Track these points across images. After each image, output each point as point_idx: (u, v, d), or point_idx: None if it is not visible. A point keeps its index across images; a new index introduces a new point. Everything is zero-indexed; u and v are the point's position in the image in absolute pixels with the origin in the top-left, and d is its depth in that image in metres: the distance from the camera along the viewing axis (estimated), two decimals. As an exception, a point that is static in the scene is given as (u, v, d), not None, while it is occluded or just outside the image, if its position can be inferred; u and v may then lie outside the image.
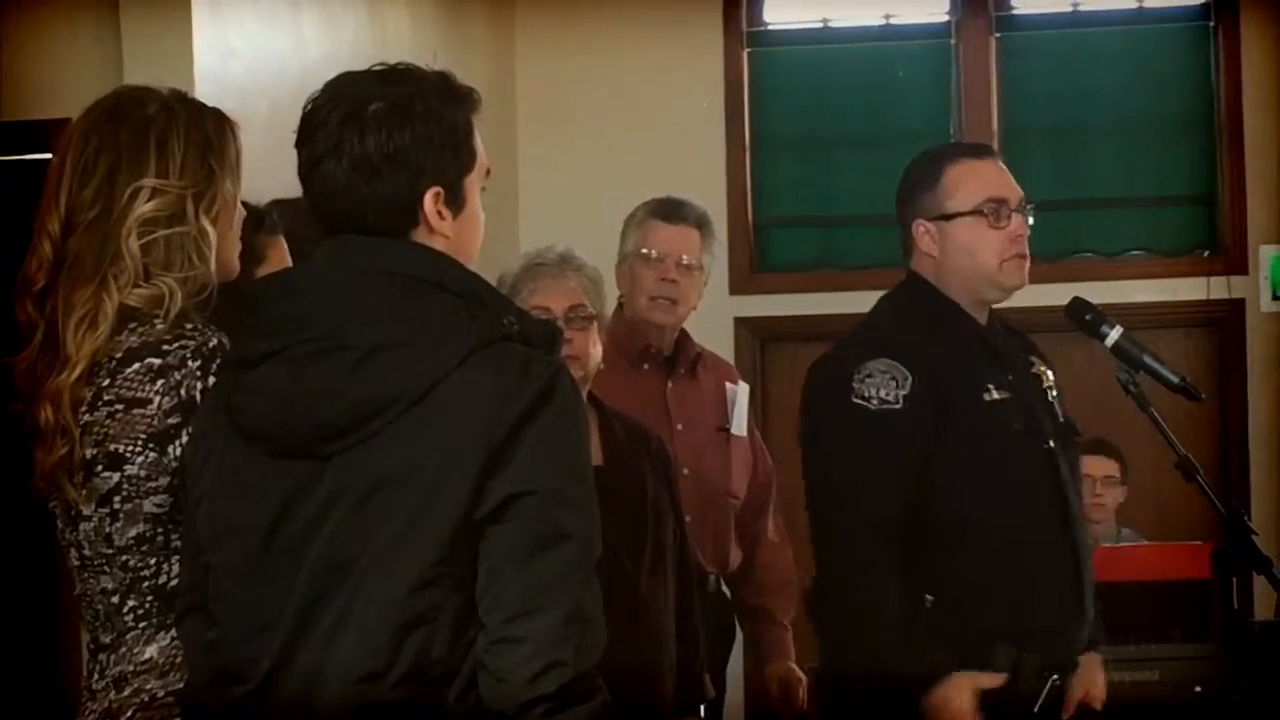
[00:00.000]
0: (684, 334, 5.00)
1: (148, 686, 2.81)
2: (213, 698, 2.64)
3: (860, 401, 3.79)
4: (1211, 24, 7.75)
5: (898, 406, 3.78)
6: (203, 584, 2.66)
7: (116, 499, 2.79)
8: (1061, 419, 3.99)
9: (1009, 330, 4.08)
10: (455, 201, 2.62)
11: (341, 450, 2.51)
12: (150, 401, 2.78)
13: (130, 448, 2.78)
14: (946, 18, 7.92)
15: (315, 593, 2.52)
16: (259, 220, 3.38)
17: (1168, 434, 3.94)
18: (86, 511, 2.82)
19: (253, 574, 2.57)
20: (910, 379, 3.79)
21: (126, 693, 2.82)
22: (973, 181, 3.96)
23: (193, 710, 2.72)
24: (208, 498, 2.64)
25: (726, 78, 7.91)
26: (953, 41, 7.89)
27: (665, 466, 4.24)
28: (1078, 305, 4.07)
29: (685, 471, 4.62)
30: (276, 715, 2.56)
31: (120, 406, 2.78)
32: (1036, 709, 3.83)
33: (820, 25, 8.01)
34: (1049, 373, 4.04)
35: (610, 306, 4.42)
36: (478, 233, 2.68)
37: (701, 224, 4.95)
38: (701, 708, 4.34)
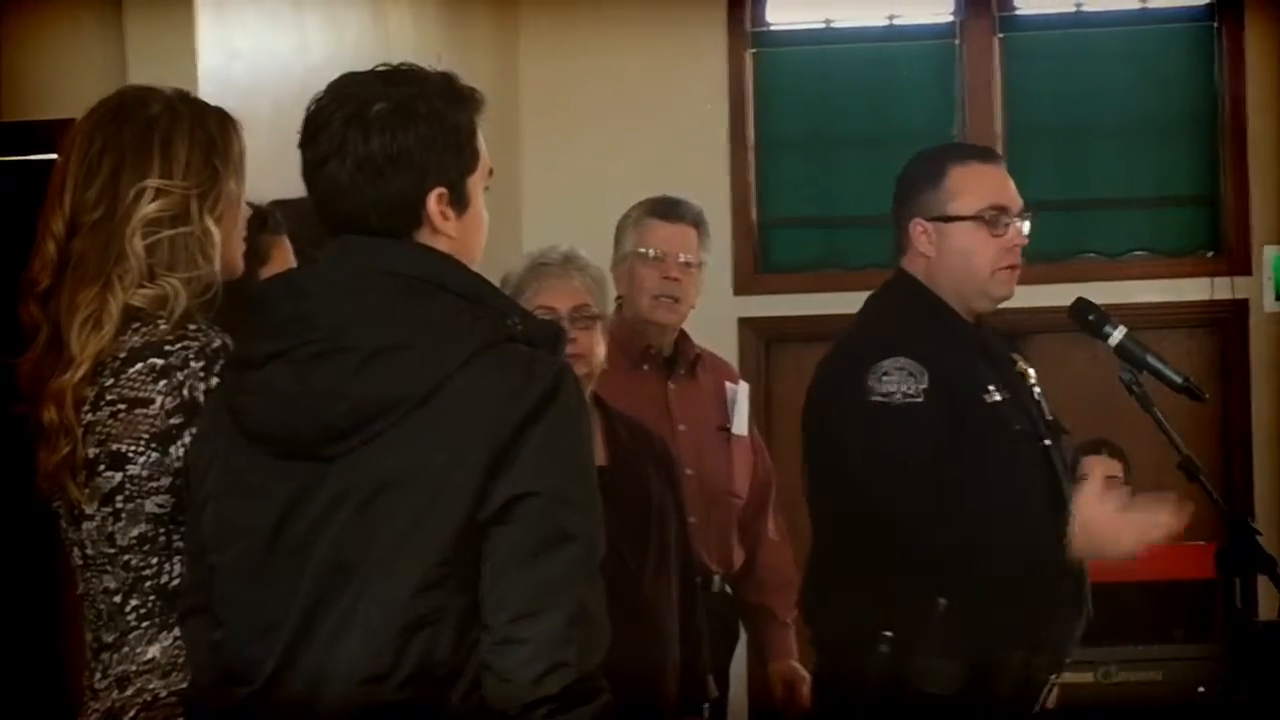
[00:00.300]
0: (683, 334, 5.00)
1: (150, 686, 2.82)
2: (216, 698, 2.64)
3: (880, 399, 3.75)
4: (1215, 24, 7.75)
5: (920, 400, 3.75)
6: (206, 585, 2.66)
7: (119, 498, 2.80)
8: (1049, 416, 3.99)
9: (992, 330, 4.07)
10: (459, 202, 2.62)
11: (345, 452, 2.51)
12: (153, 401, 2.78)
13: (133, 447, 2.78)
14: (950, 18, 7.92)
15: (319, 594, 2.52)
16: (263, 220, 3.38)
17: (1171, 434, 3.93)
18: (89, 511, 2.82)
19: (257, 575, 2.57)
20: (926, 374, 3.76)
21: (129, 692, 2.82)
22: (978, 186, 3.94)
23: (196, 711, 2.72)
24: (212, 499, 2.64)
25: (730, 78, 7.91)
26: (956, 42, 7.88)
27: (669, 467, 4.24)
28: (1081, 306, 4.07)
29: (689, 472, 4.62)
30: (280, 716, 2.55)
31: (123, 406, 2.79)
32: (1037, 709, 3.83)
33: (823, 26, 8.00)
34: (1031, 371, 4.04)
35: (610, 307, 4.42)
36: (481, 233, 2.68)
37: (698, 222, 4.96)
38: (705, 707, 4.34)
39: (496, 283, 2.76)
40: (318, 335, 2.53)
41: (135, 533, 2.81)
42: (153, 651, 2.83)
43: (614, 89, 7.89)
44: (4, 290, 2.97)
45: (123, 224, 2.82)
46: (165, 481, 2.79)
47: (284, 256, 3.49)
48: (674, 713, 4.12)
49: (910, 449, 3.72)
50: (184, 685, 2.78)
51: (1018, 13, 7.93)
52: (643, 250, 4.88)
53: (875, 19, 7.98)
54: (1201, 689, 4.95)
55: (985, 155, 4.10)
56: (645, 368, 4.91)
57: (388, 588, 2.48)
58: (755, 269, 7.91)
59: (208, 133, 2.90)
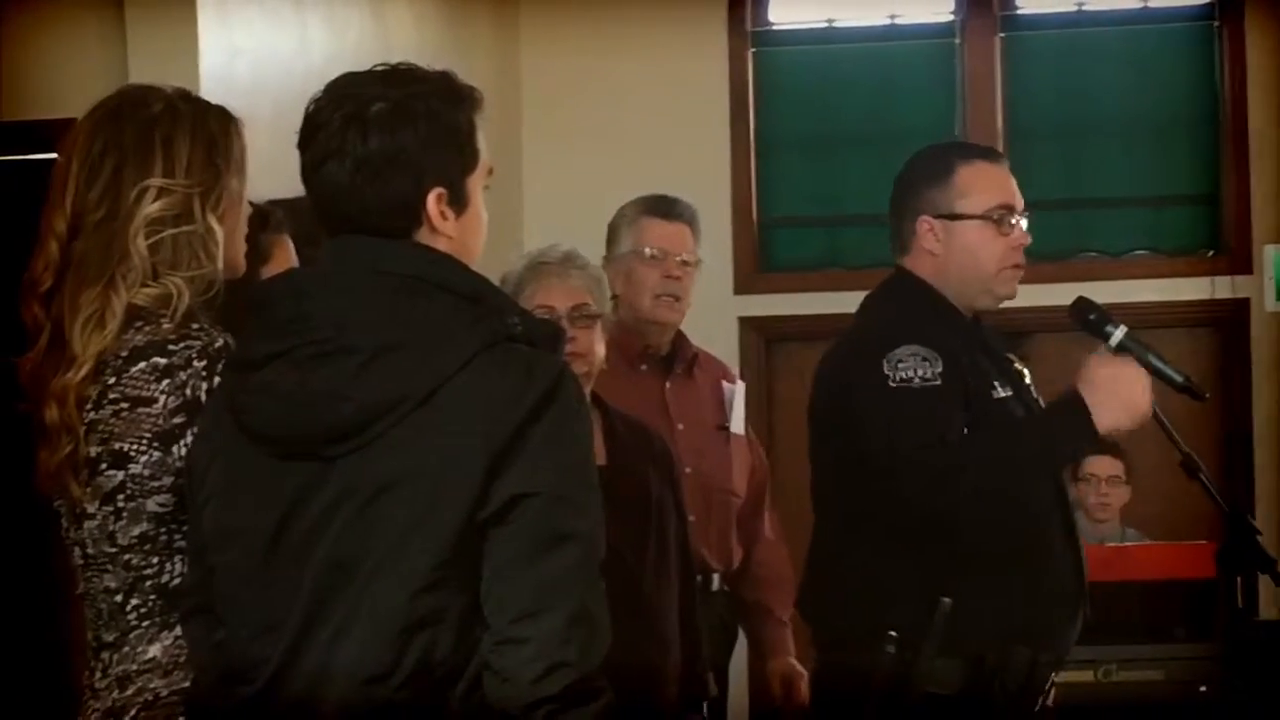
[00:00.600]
0: (679, 333, 5.00)
1: (151, 685, 2.82)
2: (218, 698, 2.64)
3: (901, 385, 3.73)
4: (1216, 23, 7.76)
5: (938, 384, 3.73)
6: (208, 585, 2.66)
7: (120, 497, 2.80)
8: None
9: (991, 328, 4.07)
10: (458, 202, 2.62)
11: (346, 452, 2.50)
12: (156, 401, 2.78)
13: (135, 446, 2.78)
14: (951, 17, 7.93)
15: (321, 594, 2.52)
16: (264, 219, 3.38)
17: (1172, 433, 3.93)
18: (90, 510, 2.82)
19: (258, 575, 2.57)
20: (940, 359, 3.75)
21: (130, 691, 2.82)
22: (987, 185, 3.94)
23: (198, 711, 2.72)
24: (212, 499, 2.64)
25: (731, 78, 7.92)
26: (957, 41, 7.89)
27: (668, 466, 4.24)
28: (1082, 305, 4.06)
29: (688, 471, 4.62)
30: (282, 716, 2.56)
31: (125, 405, 2.79)
32: (1038, 708, 3.83)
33: (825, 25, 8.02)
34: (1026, 370, 4.04)
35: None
36: (481, 233, 2.68)
37: (693, 220, 4.97)
38: (704, 706, 4.34)
39: (495, 282, 2.75)
40: (318, 335, 2.53)
41: (136, 532, 2.81)
42: (153, 651, 2.83)
43: (615, 88, 7.89)
44: (5, 289, 2.97)
45: (125, 223, 2.82)
46: (167, 481, 2.79)
47: (285, 255, 3.48)
48: (674, 712, 4.13)
49: (936, 428, 3.71)
50: (185, 684, 2.78)
51: (1019, 12, 7.94)
52: (643, 250, 4.88)
53: (876, 18, 7.99)
54: (1202, 688, 4.95)
55: (990, 154, 4.09)
56: (643, 367, 4.91)
57: (388, 588, 2.48)
58: (756, 268, 7.92)
59: (209, 131, 2.90)
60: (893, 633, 3.74)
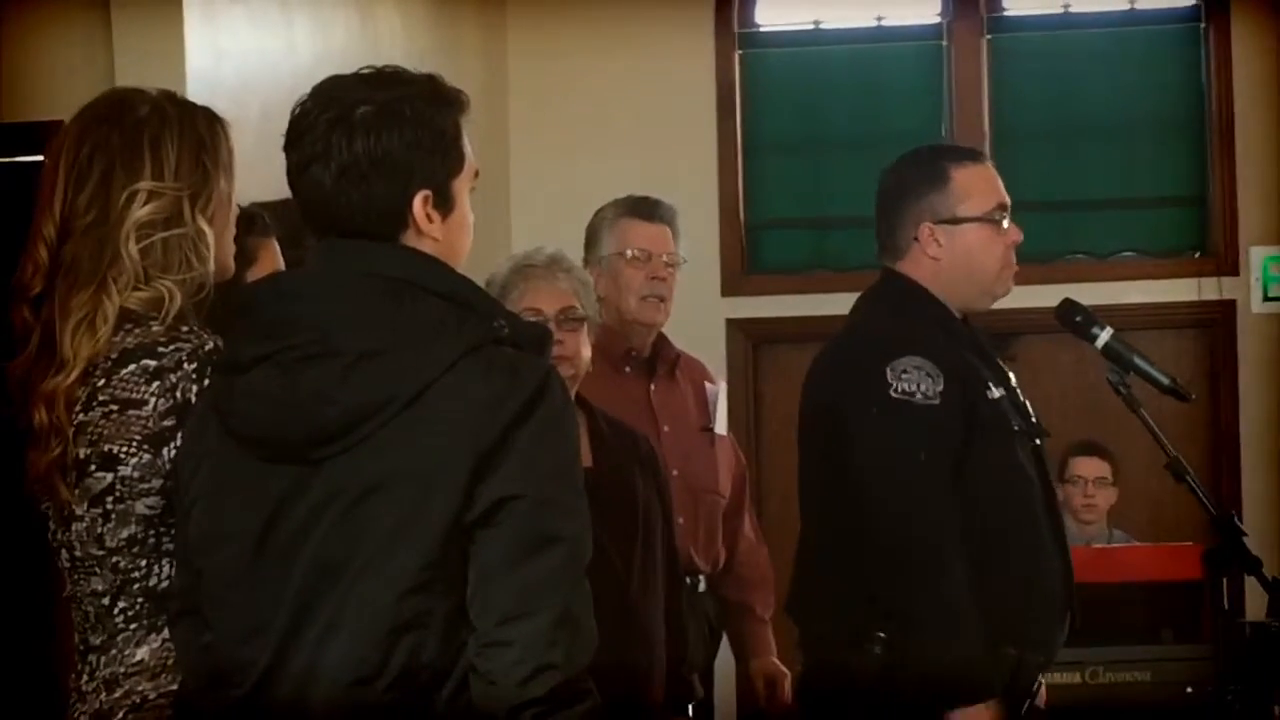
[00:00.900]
0: (661, 335, 5.00)
1: (139, 688, 2.81)
2: (206, 701, 2.65)
3: (902, 397, 3.73)
4: (1203, 25, 7.77)
5: (937, 403, 3.74)
6: (195, 588, 2.66)
7: (109, 499, 2.79)
8: (1034, 418, 3.99)
9: (981, 329, 4.07)
10: (444, 204, 2.62)
11: (332, 455, 2.51)
12: (146, 403, 2.78)
13: (125, 449, 2.78)
14: (938, 19, 7.93)
15: (307, 597, 2.52)
16: (249, 222, 3.38)
17: (1158, 435, 3.94)
18: (79, 512, 2.82)
19: (245, 578, 2.58)
20: (941, 376, 3.75)
21: (118, 694, 2.82)
22: (983, 187, 3.94)
23: (186, 713, 2.72)
24: (199, 502, 2.65)
25: (718, 79, 7.92)
26: (944, 43, 7.90)
27: (654, 468, 4.24)
28: (1068, 307, 4.08)
29: (675, 473, 4.62)
30: (270, 718, 2.56)
31: (115, 407, 2.79)
32: (1024, 711, 3.83)
33: (812, 27, 8.02)
34: (1011, 373, 4.04)
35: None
36: (467, 235, 2.68)
37: (674, 221, 4.97)
38: (690, 709, 4.34)
39: (481, 285, 2.75)
40: (304, 338, 2.53)
41: (125, 534, 2.80)
42: (141, 653, 2.82)
43: (602, 90, 7.89)
44: (-4, 293, 2.97)
45: (116, 228, 2.81)
46: (156, 483, 2.78)
47: (271, 258, 3.48)
48: (660, 714, 4.12)
49: (936, 447, 3.72)
50: (173, 687, 2.78)
51: (1005, 13, 7.95)
52: (627, 251, 4.87)
53: (863, 20, 7.99)
54: (1189, 689, 4.95)
55: (977, 156, 4.09)
56: (627, 370, 4.91)
57: (375, 589, 2.48)
58: (743, 270, 7.92)
59: (197, 133, 2.90)
60: (880, 634, 3.74)
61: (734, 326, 7.79)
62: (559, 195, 7.49)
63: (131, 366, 2.79)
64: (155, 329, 2.80)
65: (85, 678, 2.86)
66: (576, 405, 3.96)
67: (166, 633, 2.80)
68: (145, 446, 2.78)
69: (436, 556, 2.47)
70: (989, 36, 7.89)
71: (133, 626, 2.83)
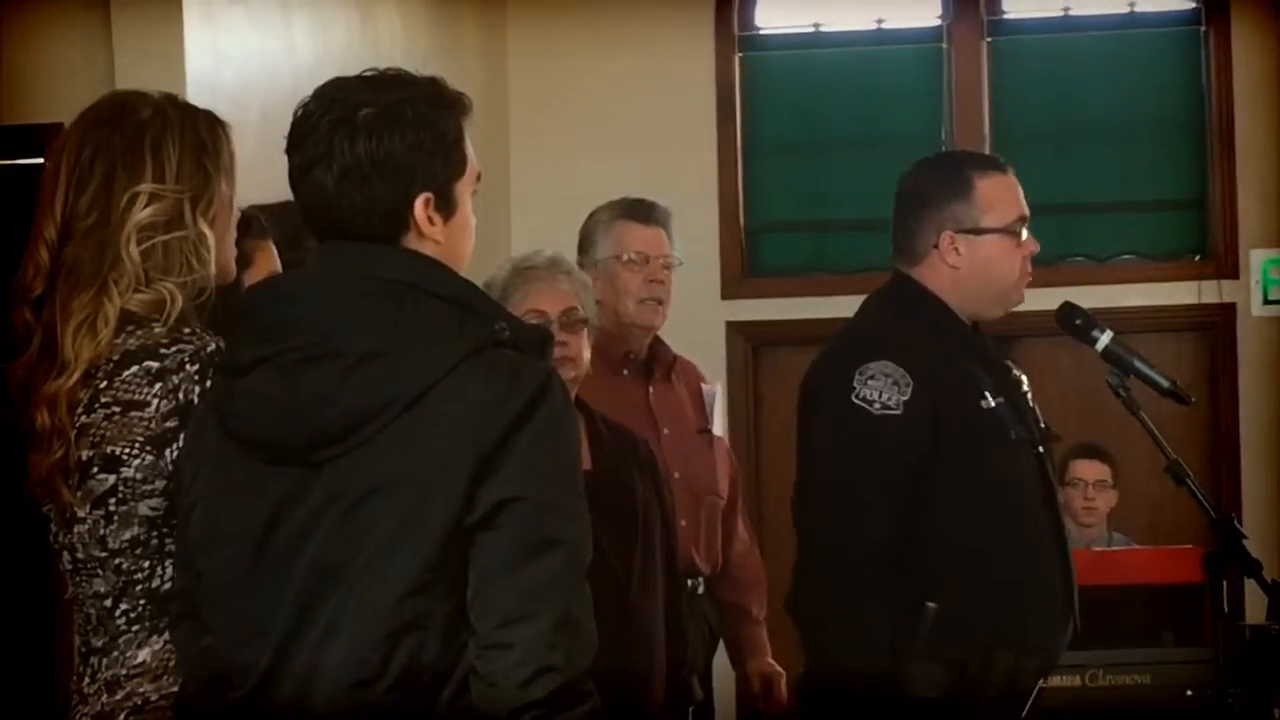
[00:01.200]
0: (657, 338, 5.00)
1: (140, 690, 2.81)
2: (206, 704, 2.65)
3: (861, 404, 3.76)
4: (1203, 28, 7.76)
5: (898, 413, 3.75)
6: (195, 590, 2.66)
7: (112, 501, 2.80)
8: (1042, 424, 3.99)
9: (988, 336, 4.08)
10: (446, 207, 2.62)
11: (333, 457, 2.51)
12: (148, 405, 2.78)
13: (127, 450, 2.78)
14: (938, 22, 7.93)
15: (307, 599, 2.52)
16: (246, 224, 3.38)
17: (1158, 438, 3.94)
18: (81, 514, 2.82)
19: (245, 580, 2.58)
20: (911, 385, 3.76)
21: (119, 696, 2.82)
22: (1007, 198, 3.96)
23: (187, 715, 2.72)
24: (200, 504, 2.65)
25: (718, 82, 7.92)
26: (944, 46, 7.89)
27: (653, 471, 4.25)
28: (1068, 310, 4.08)
29: (676, 476, 4.63)
30: (270, 720, 2.56)
31: (118, 409, 2.79)
32: (1024, 714, 3.83)
33: (812, 30, 8.01)
34: (1024, 377, 4.04)
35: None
36: (469, 238, 2.68)
37: (669, 223, 4.97)
38: (690, 711, 4.34)
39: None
40: (305, 340, 2.54)
41: (127, 536, 2.80)
42: (143, 655, 2.82)
43: (602, 92, 7.89)
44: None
45: (117, 230, 2.82)
46: (159, 485, 2.78)
47: (268, 261, 3.48)
48: (660, 717, 4.13)
49: (884, 460, 3.75)
50: (174, 689, 2.78)
51: (1005, 16, 7.94)
52: (622, 254, 4.87)
53: (863, 23, 7.99)
54: (1189, 692, 4.94)
55: (1001, 166, 4.07)
56: (625, 373, 4.90)
57: (375, 592, 2.48)
58: (743, 273, 7.91)
59: (198, 136, 2.90)
60: (807, 644, 3.77)
61: (734, 329, 7.79)
62: (559, 197, 7.47)
63: (133, 368, 2.79)
64: (157, 331, 2.80)
65: (87, 680, 2.86)
66: (576, 408, 3.97)
67: (168, 635, 2.80)
68: (147, 448, 2.78)
69: (437, 559, 2.47)
70: (989, 39, 7.88)
71: (134, 628, 2.83)
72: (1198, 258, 7.75)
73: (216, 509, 2.62)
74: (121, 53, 4.97)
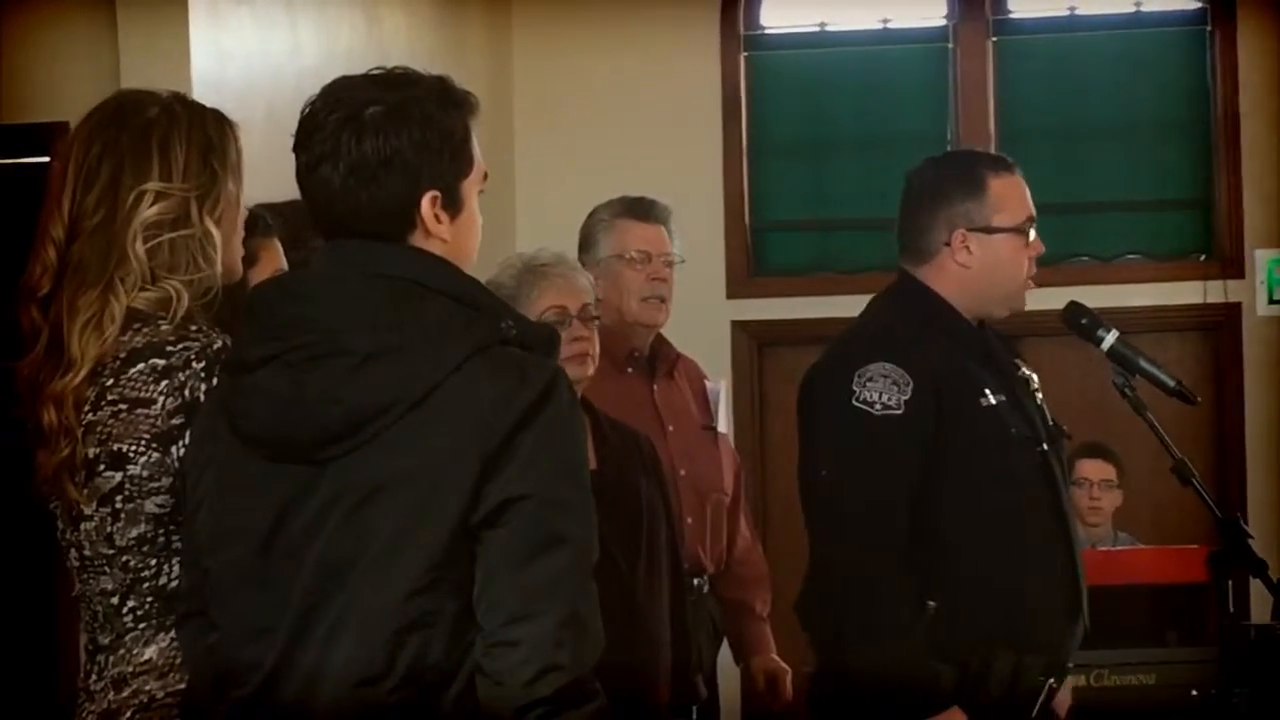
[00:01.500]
0: (660, 336, 5.00)
1: (147, 688, 2.82)
2: (213, 701, 2.65)
3: (862, 406, 3.76)
4: (1209, 28, 7.76)
5: (899, 412, 3.75)
6: (202, 588, 2.66)
7: (118, 499, 2.80)
8: (1050, 422, 3.99)
9: (996, 334, 4.08)
10: (452, 205, 2.62)
11: (340, 455, 2.51)
12: (154, 402, 2.78)
13: (133, 448, 2.78)
14: (944, 21, 7.93)
15: (314, 597, 2.52)
16: (252, 223, 3.38)
17: (1164, 438, 3.94)
18: (88, 511, 2.82)
19: (251, 578, 2.58)
20: (911, 384, 3.77)
21: (125, 694, 2.82)
22: (1018, 197, 3.97)
23: (193, 713, 2.73)
24: (206, 501, 2.65)
25: (724, 81, 7.92)
26: (950, 45, 7.89)
27: (657, 469, 4.25)
28: (1073, 309, 4.08)
29: (682, 473, 4.63)
30: (276, 719, 2.56)
31: (124, 406, 2.79)
32: (1035, 713, 3.83)
33: (817, 29, 8.02)
34: (1034, 376, 4.04)
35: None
36: (476, 237, 2.68)
37: (669, 221, 4.98)
38: (694, 710, 4.34)
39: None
40: (312, 338, 2.54)
41: (134, 533, 2.81)
42: (150, 653, 2.83)
43: (607, 92, 7.89)
44: (1, 294, 2.97)
45: (123, 228, 2.82)
46: (165, 482, 2.79)
47: (273, 259, 3.48)
48: (665, 715, 4.13)
49: (887, 461, 3.75)
50: (181, 686, 2.79)
51: (1011, 16, 7.95)
52: (624, 253, 4.87)
53: (869, 22, 7.99)
54: (1195, 692, 4.95)
55: (1011, 166, 4.08)
56: (630, 371, 4.91)
57: (381, 590, 2.49)
58: (748, 272, 7.91)
59: (205, 134, 2.90)
60: (818, 648, 3.77)
61: (739, 328, 7.79)
62: (563, 195, 7.46)
63: (140, 366, 2.79)
64: (164, 328, 2.81)
65: (94, 677, 2.86)
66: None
67: (175, 632, 2.80)
68: (154, 445, 2.78)
69: (443, 557, 2.47)
70: (994, 39, 7.89)
71: (141, 626, 2.83)
72: (1203, 257, 7.75)
73: (223, 507, 2.62)
74: (126, 52, 4.97)
